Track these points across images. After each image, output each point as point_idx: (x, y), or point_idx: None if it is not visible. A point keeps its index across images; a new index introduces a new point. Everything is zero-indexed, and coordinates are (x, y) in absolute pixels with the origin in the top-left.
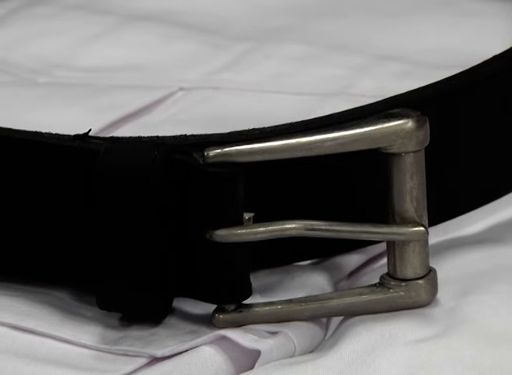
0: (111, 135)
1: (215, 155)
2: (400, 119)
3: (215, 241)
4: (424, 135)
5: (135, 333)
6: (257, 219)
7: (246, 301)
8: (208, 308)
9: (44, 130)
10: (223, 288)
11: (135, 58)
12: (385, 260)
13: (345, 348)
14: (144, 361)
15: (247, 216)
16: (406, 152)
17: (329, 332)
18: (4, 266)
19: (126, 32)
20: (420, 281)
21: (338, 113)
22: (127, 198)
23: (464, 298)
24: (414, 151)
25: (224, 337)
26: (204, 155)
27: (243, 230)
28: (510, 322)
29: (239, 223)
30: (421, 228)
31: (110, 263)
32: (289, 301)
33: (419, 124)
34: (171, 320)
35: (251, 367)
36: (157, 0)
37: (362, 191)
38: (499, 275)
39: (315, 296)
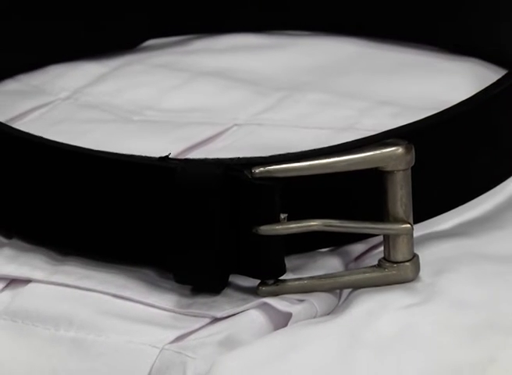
0: (185, 157)
1: (260, 172)
2: (392, 146)
3: (259, 234)
4: (411, 158)
5: (201, 300)
6: (290, 218)
7: (281, 277)
8: (254, 282)
9: (137, 154)
10: (265, 267)
11: (203, 102)
12: (382, 248)
13: (353, 311)
14: (207, 320)
15: (282, 216)
16: (397, 170)
17: (342, 300)
18: (108, 252)
19: (196, 84)
20: (407, 263)
21: (348, 142)
22: (197, 203)
23: (438, 276)
24: (403, 170)
25: (266, 304)
26: (252, 172)
27: (280, 226)
28: (473, 293)
29: (277, 221)
30: (408, 225)
31: (185, 250)
32: (313, 277)
33: (407, 150)
34: (227, 291)
35: (285, 325)
36: (218, 61)
37: (365, 198)
38: (464, 260)
39: (331, 274)
